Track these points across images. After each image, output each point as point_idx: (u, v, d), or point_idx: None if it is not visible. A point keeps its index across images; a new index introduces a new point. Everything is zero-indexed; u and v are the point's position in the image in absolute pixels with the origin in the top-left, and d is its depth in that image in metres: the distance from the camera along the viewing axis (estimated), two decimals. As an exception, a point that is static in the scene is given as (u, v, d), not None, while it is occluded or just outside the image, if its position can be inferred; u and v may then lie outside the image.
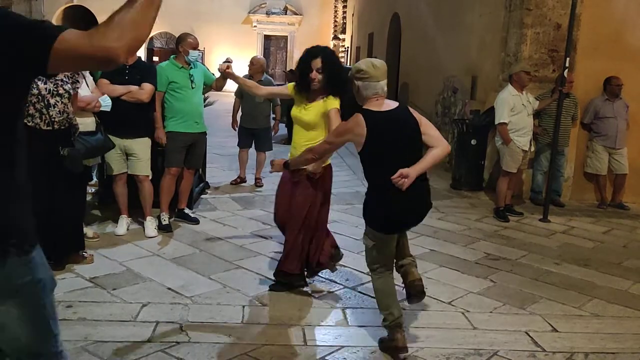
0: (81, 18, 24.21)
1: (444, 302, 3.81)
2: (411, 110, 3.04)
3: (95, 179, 5.79)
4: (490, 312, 3.71)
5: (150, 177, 4.93)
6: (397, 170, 2.83)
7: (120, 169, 4.80)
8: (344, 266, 4.40)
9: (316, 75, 3.56)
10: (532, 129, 6.11)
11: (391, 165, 2.85)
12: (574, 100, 6.58)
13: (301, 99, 3.72)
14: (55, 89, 3.77)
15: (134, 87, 4.64)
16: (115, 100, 4.56)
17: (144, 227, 4.91)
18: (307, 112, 3.66)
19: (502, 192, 6.09)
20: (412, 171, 2.82)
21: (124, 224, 4.88)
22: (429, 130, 2.98)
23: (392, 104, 3.00)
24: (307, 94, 3.67)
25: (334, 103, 3.59)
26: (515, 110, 5.90)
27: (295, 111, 3.72)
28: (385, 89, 2.98)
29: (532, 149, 6.25)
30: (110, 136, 4.58)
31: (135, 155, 4.77)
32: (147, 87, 4.69)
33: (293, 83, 3.82)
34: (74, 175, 3.91)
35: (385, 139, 2.89)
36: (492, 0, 7.54)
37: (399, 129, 2.92)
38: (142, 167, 4.83)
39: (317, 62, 3.56)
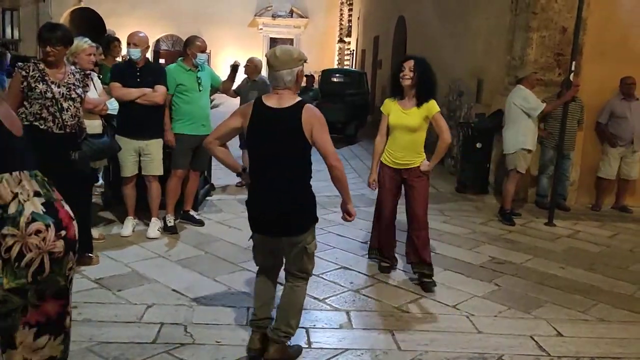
0: (88, 21, 24.38)
1: (448, 305, 3.81)
2: (307, 113, 2.75)
3: (101, 181, 5.83)
4: (495, 316, 3.70)
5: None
6: (262, 166, 2.81)
7: (133, 171, 4.84)
8: (348, 269, 4.40)
9: (408, 73, 3.97)
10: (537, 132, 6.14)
11: (258, 161, 2.85)
12: (580, 104, 6.56)
13: (395, 109, 4.12)
14: (68, 93, 3.79)
15: (147, 90, 4.67)
16: (130, 102, 4.62)
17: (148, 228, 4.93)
18: (409, 117, 4.03)
19: (510, 194, 6.09)
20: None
21: (129, 225, 4.90)
22: (318, 139, 2.76)
23: (288, 102, 2.78)
24: (399, 99, 4.11)
25: (435, 107, 4.03)
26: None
27: (394, 119, 4.09)
28: (288, 78, 2.77)
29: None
30: (125, 138, 4.65)
31: (149, 155, 4.81)
32: (161, 89, 4.73)
33: (387, 100, 4.21)
34: (80, 177, 3.93)
35: (260, 135, 2.80)
36: (498, 4, 7.54)
37: (275, 130, 2.76)
38: (155, 167, 4.87)
39: (410, 63, 3.99)
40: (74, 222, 2.05)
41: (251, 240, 3.03)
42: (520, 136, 5.94)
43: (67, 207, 2.04)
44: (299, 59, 2.79)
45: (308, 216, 2.89)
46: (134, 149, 4.75)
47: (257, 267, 3.11)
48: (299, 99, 2.81)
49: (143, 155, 4.81)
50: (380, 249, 4.40)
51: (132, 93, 4.65)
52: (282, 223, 2.82)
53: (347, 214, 2.96)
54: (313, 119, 2.75)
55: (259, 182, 2.87)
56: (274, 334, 2.94)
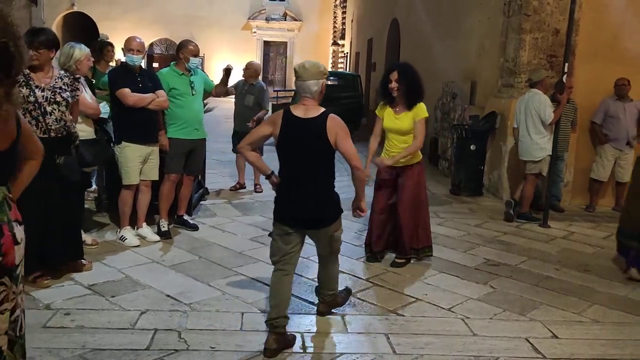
0: (81, 25, 24.31)
1: (443, 308, 3.80)
2: (331, 122, 3.07)
3: (94, 186, 5.80)
4: (490, 318, 3.69)
5: None
6: (292, 169, 3.13)
7: (138, 179, 4.78)
8: (343, 272, 4.39)
9: (394, 85, 4.32)
10: None
11: (289, 165, 3.16)
12: (573, 106, 6.59)
13: (388, 114, 4.50)
14: (53, 97, 3.76)
15: (154, 96, 4.64)
16: (137, 108, 4.54)
17: (140, 234, 4.89)
18: (400, 121, 4.40)
19: (530, 196, 6.21)
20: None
21: (132, 235, 4.81)
22: (342, 144, 3.08)
23: (314, 112, 3.10)
24: (391, 104, 4.45)
25: (422, 113, 4.37)
26: None
27: (388, 123, 4.47)
28: (315, 89, 3.10)
29: None
30: (134, 145, 4.60)
31: (153, 160, 4.80)
32: (164, 93, 4.74)
33: (381, 104, 4.56)
34: (71, 183, 3.90)
35: (290, 142, 3.11)
36: (491, 6, 7.56)
37: (303, 137, 3.08)
38: (156, 172, 4.87)
39: (394, 75, 4.33)
40: (19, 246, 1.99)
41: (270, 236, 3.32)
42: (545, 143, 5.99)
43: (16, 230, 1.98)
44: (324, 73, 3.16)
45: (335, 210, 3.26)
46: (141, 155, 4.69)
47: (275, 263, 3.21)
48: (323, 109, 3.12)
49: (148, 161, 4.76)
50: (369, 245, 4.71)
51: (147, 99, 4.59)
52: (315, 220, 3.18)
53: (360, 210, 3.30)
54: (337, 128, 3.09)
55: (289, 184, 3.16)
56: (321, 295, 3.54)
